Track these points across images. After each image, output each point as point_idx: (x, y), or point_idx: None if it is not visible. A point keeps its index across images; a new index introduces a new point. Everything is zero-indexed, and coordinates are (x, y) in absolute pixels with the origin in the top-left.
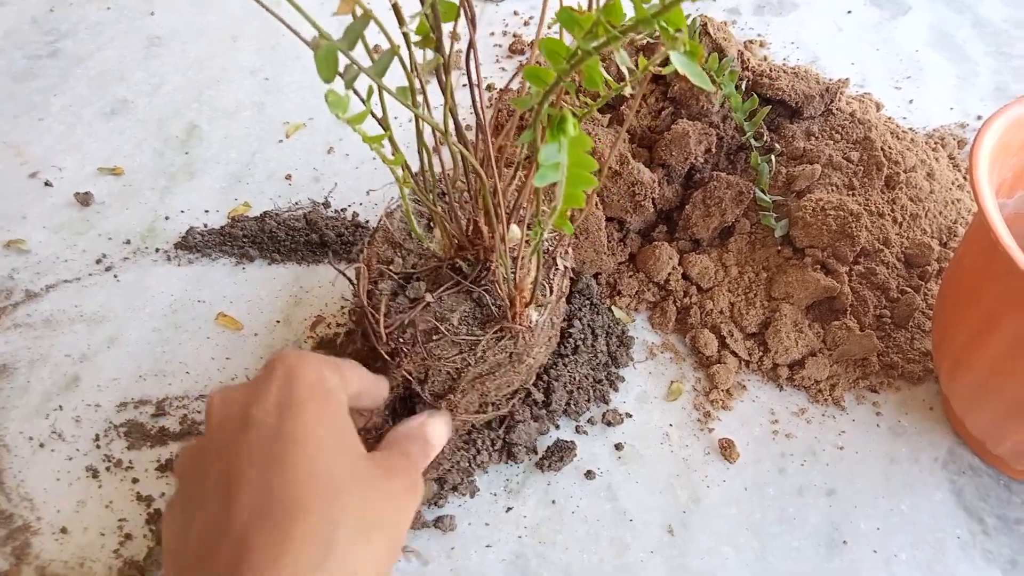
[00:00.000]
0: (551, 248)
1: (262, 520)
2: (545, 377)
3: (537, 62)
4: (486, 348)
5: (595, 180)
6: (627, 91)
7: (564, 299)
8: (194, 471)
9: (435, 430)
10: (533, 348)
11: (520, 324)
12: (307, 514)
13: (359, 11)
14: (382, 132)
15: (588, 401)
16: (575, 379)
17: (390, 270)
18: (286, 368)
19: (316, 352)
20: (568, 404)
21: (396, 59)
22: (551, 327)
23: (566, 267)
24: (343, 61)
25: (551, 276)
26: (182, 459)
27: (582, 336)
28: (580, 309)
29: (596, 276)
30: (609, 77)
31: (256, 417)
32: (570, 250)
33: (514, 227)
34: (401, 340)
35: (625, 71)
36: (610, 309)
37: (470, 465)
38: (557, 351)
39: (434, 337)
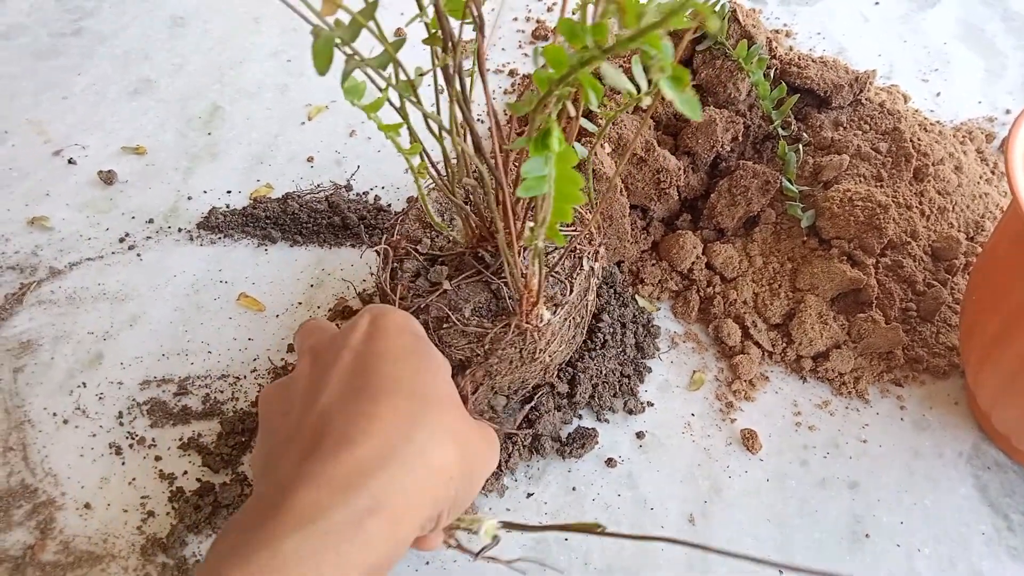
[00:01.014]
0: (578, 247)
1: (344, 402)
2: (570, 370)
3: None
4: (494, 341)
5: (582, 197)
6: (645, 102)
7: (593, 295)
8: (280, 404)
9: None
10: (550, 346)
11: (529, 322)
12: (389, 399)
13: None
14: (400, 120)
15: (614, 396)
16: (601, 373)
17: (416, 250)
18: (373, 314)
19: None
20: (592, 398)
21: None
22: (572, 326)
23: (592, 267)
24: (346, 55)
25: (574, 275)
26: (263, 400)
27: (611, 331)
28: (608, 302)
29: (619, 264)
30: (633, 87)
31: (347, 346)
32: (602, 249)
33: (531, 224)
34: None
35: (635, 87)
36: (634, 298)
37: (500, 468)
38: (585, 345)
39: (444, 324)
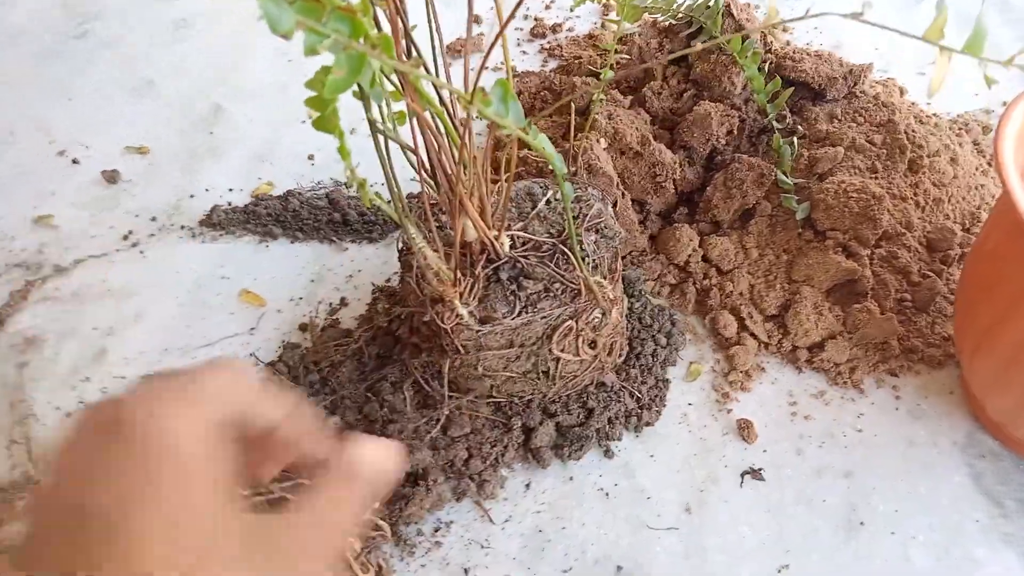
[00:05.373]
0: (557, 288)
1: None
2: (581, 409)
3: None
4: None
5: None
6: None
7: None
8: None
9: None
10: (480, 354)
11: (442, 309)
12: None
13: None
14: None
15: (623, 427)
16: (619, 408)
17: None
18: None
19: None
20: (600, 429)
21: None
22: (525, 359)
23: (551, 312)
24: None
25: (530, 308)
26: None
27: (637, 349)
28: (631, 309)
29: (623, 258)
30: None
31: None
32: (598, 316)
33: (468, 224)
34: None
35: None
36: (647, 296)
37: (496, 461)
38: (618, 375)
39: (407, 275)
